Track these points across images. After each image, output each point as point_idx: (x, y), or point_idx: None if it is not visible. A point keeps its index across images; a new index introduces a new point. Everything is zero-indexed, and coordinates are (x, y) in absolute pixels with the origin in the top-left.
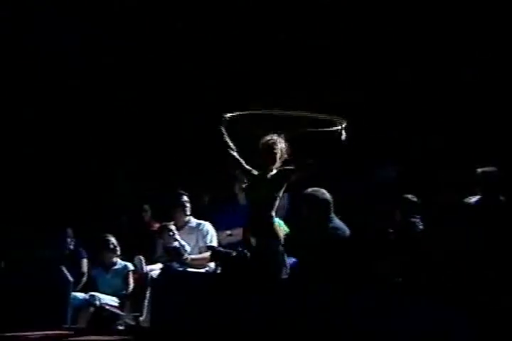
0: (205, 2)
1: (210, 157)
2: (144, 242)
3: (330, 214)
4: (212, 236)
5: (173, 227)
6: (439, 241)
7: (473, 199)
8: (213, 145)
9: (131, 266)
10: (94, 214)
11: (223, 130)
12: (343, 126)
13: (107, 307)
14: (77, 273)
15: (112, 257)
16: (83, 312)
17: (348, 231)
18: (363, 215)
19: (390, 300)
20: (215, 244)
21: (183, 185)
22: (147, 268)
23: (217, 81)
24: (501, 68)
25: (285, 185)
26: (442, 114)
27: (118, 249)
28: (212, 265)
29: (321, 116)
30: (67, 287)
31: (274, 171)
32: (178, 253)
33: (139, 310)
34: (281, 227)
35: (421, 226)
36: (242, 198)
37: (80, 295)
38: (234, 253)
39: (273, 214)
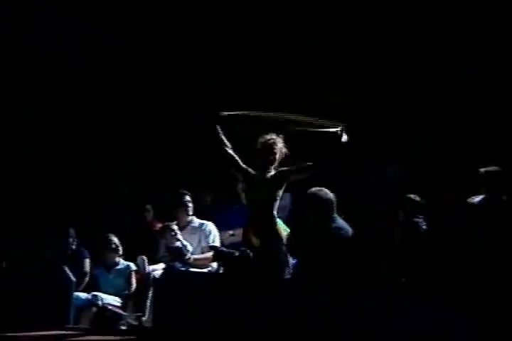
0: (205, 2)
1: (210, 157)
2: (147, 242)
3: (333, 214)
4: (214, 236)
5: (175, 227)
6: (441, 241)
7: (477, 198)
8: (213, 145)
9: (133, 266)
10: (94, 214)
11: (219, 128)
12: (343, 128)
13: (110, 307)
14: (80, 273)
15: (114, 257)
16: (85, 312)
17: (350, 231)
18: (363, 215)
19: (390, 300)
20: (217, 244)
21: (184, 185)
22: (149, 268)
23: (217, 81)
24: (501, 68)
25: (284, 185)
26: (442, 114)
27: (120, 248)
28: (214, 265)
29: (319, 122)
30: (69, 287)
31: (273, 171)
32: (180, 253)
33: (142, 310)
34: (281, 227)
35: (424, 226)
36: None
37: (83, 295)
38: (236, 253)
39: (275, 214)
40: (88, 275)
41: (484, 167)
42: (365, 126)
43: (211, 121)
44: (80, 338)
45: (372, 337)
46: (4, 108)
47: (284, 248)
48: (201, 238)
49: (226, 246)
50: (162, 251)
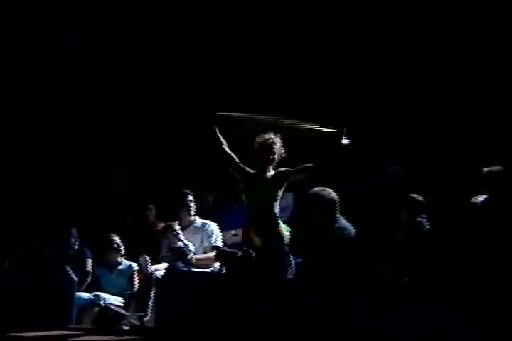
0: (205, 2)
1: (210, 157)
2: (149, 242)
3: (336, 214)
4: (217, 236)
5: (177, 227)
6: (442, 241)
7: (480, 198)
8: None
9: (135, 266)
10: (95, 214)
11: (216, 127)
12: (344, 131)
13: (112, 307)
14: (82, 273)
15: (116, 257)
16: (88, 312)
17: (353, 231)
18: (363, 215)
19: (390, 300)
20: (220, 243)
21: (184, 185)
22: (152, 268)
23: (217, 81)
24: (501, 68)
25: (284, 186)
26: (442, 114)
27: (122, 248)
28: (217, 265)
29: (313, 127)
30: (71, 287)
31: (272, 172)
32: (182, 253)
33: (144, 310)
34: (282, 228)
35: (427, 226)
36: None
37: (85, 295)
38: (239, 253)
39: (277, 214)
40: (90, 275)
41: (485, 167)
42: (365, 126)
43: (210, 121)
44: (82, 338)
45: (372, 337)
46: (4, 108)
47: (287, 248)
48: (203, 238)
49: (229, 246)
50: (164, 251)
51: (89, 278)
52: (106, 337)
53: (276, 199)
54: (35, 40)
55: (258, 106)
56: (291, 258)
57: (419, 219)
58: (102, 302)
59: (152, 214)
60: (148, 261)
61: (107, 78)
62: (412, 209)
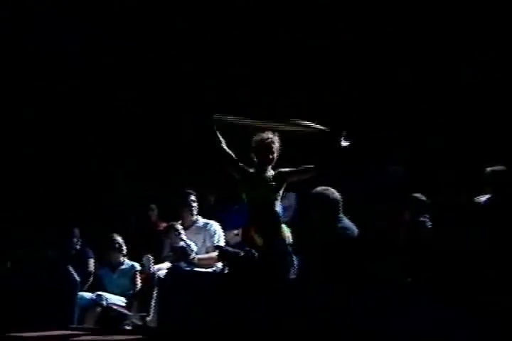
0: (205, 2)
1: (210, 157)
2: (151, 242)
3: (339, 213)
4: (219, 236)
5: (179, 227)
6: (445, 241)
7: (483, 198)
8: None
9: (138, 266)
10: (94, 214)
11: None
12: (344, 134)
13: (114, 307)
14: (84, 272)
15: (118, 257)
16: (90, 312)
17: (356, 231)
18: (363, 215)
19: (391, 300)
20: (222, 243)
21: (185, 185)
22: (155, 267)
23: (217, 81)
24: (501, 68)
25: (284, 186)
26: (442, 114)
27: (124, 248)
28: (219, 265)
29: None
30: (74, 287)
31: (272, 171)
32: (184, 253)
33: (146, 310)
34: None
35: (429, 226)
36: None
37: (87, 295)
38: (242, 253)
39: (279, 213)
40: (92, 275)
41: (485, 167)
42: (365, 126)
43: (208, 121)
44: (84, 338)
45: (372, 337)
46: (4, 108)
47: (289, 248)
48: (206, 238)
49: (231, 246)
50: (166, 251)
51: (91, 278)
52: (108, 337)
53: (276, 199)
54: (35, 40)
55: (258, 106)
56: (294, 258)
57: (422, 218)
58: (104, 302)
59: (154, 214)
60: (152, 260)
61: (107, 78)
62: (415, 209)
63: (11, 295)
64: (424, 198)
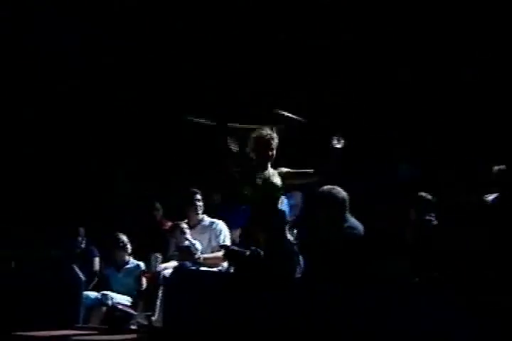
0: (205, 2)
1: (211, 157)
2: (156, 241)
3: (345, 213)
4: (225, 235)
5: (184, 226)
6: (450, 241)
7: (490, 197)
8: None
9: (143, 266)
10: (94, 214)
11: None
12: (340, 136)
13: (120, 306)
14: (89, 272)
15: (123, 256)
16: (95, 311)
17: (362, 231)
18: (363, 215)
19: (390, 300)
20: (228, 243)
21: (186, 184)
22: (161, 266)
23: (217, 81)
24: (501, 68)
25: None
26: (442, 114)
27: (129, 247)
28: (225, 264)
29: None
30: (79, 286)
31: (272, 169)
32: (189, 252)
33: (152, 309)
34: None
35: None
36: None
37: (92, 294)
38: (247, 253)
39: (284, 212)
40: (98, 274)
41: (484, 167)
42: (366, 126)
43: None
44: (90, 337)
45: (372, 336)
46: (4, 108)
47: (295, 247)
48: (211, 237)
49: (237, 245)
50: (172, 250)
51: (96, 277)
52: (114, 337)
53: (278, 197)
54: (35, 40)
55: (258, 106)
56: (300, 257)
57: (427, 217)
58: (109, 302)
59: (159, 213)
60: (160, 260)
61: (107, 78)
62: (421, 208)
63: (16, 295)
64: (429, 197)
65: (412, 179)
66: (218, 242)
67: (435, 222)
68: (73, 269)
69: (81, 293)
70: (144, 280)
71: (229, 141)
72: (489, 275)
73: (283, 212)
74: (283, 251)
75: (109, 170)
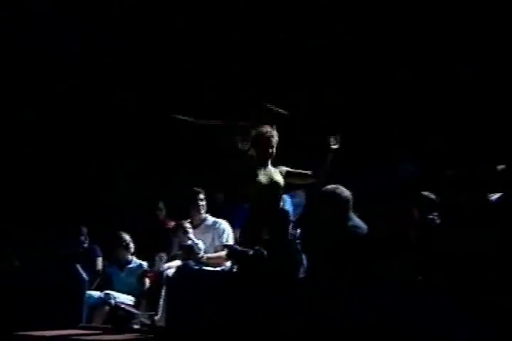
0: (205, 2)
1: (211, 157)
2: (159, 240)
3: (349, 212)
4: (228, 234)
5: (187, 225)
6: (452, 240)
7: (494, 196)
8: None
9: (146, 265)
10: (95, 214)
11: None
12: (335, 137)
13: (122, 306)
14: (92, 271)
15: (125, 255)
16: (98, 310)
17: (366, 230)
18: (362, 215)
19: (390, 300)
20: (231, 242)
21: (186, 184)
22: (165, 266)
23: (217, 81)
24: (501, 68)
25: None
26: (442, 114)
27: (132, 246)
28: (228, 264)
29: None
30: (82, 285)
31: (272, 167)
32: (192, 251)
33: (155, 308)
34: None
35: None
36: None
37: (95, 293)
38: (250, 252)
39: (287, 211)
40: (101, 273)
41: (484, 167)
42: (365, 126)
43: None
44: (93, 337)
45: (372, 336)
46: (4, 108)
47: (299, 246)
48: (215, 236)
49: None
50: (175, 249)
51: (99, 277)
52: (116, 336)
53: (280, 195)
54: (35, 40)
55: (258, 106)
56: (303, 256)
57: (430, 216)
58: (112, 301)
59: (162, 213)
60: (164, 259)
61: (107, 78)
62: (425, 207)
63: (19, 295)
64: (433, 196)
65: (412, 179)
66: (221, 242)
67: (438, 221)
68: (76, 269)
69: (84, 293)
70: (147, 280)
71: (237, 139)
72: (489, 275)
73: (287, 211)
74: (286, 250)
75: (109, 170)
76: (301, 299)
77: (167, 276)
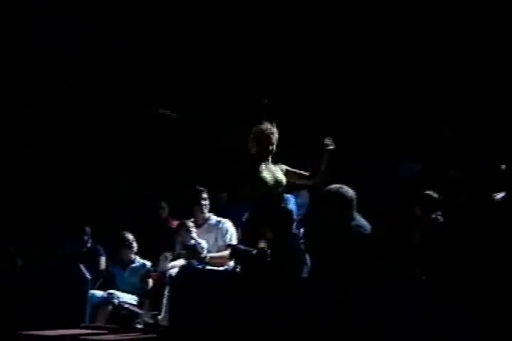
0: (205, 2)
1: (211, 157)
2: (162, 239)
3: (353, 211)
4: (231, 234)
5: (190, 224)
6: (455, 240)
7: (499, 195)
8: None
9: (149, 265)
10: (95, 214)
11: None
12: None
13: (126, 305)
14: (96, 271)
15: (128, 254)
16: (101, 310)
17: (369, 229)
18: (363, 215)
19: (390, 300)
20: (234, 242)
21: (188, 184)
22: (168, 265)
23: (217, 81)
24: (501, 68)
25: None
26: (442, 114)
27: (135, 245)
28: (231, 263)
29: None
30: (85, 285)
31: (272, 165)
32: (195, 250)
33: (158, 308)
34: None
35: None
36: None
37: (98, 293)
38: (254, 252)
39: (291, 210)
40: (104, 272)
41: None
42: (366, 126)
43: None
44: (96, 337)
45: (372, 336)
46: (4, 108)
47: (302, 246)
48: (218, 236)
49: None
50: (178, 248)
51: (102, 276)
52: (120, 336)
53: (282, 193)
54: (35, 40)
55: (258, 106)
56: (307, 256)
57: (434, 216)
58: (115, 301)
59: (165, 212)
60: (169, 258)
61: (107, 78)
62: (428, 206)
63: (22, 294)
64: (436, 195)
65: (412, 179)
66: (225, 241)
67: (441, 221)
68: (79, 268)
69: (87, 292)
70: (150, 280)
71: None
72: (489, 276)
73: (290, 211)
74: (290, 250)
75: (109, 170)
76: (305, 299)
77: (170, 276)
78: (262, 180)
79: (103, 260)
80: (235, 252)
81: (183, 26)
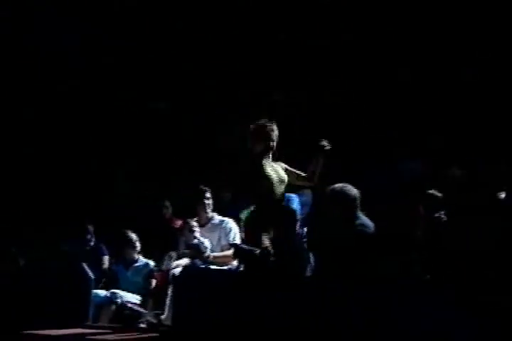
0: (205, 2)
1: (211, 156)
2: (166, 239)
3: (357, 210)
4: (235, 233)
5: (194, 224)
6: (458, 240)
7: (502, 195)
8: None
9: (152, 264)
10: (94, 214)
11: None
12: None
13: (129, 305)
14: (99, 270)
15: (131, 253)
16: (105, 309)
17: (373, 228)
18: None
19: (390, 300)
20: (238, 241)
21: (188, 184)
22: (172, 264)
23: (217, 81)
24: (501, 68)
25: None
26: (442, 114)
27: (138, 245)
28: (235, 263)
29: None
30: (88, 284)
31: (275, 164)
32: (198, 250)
33: (161, 307)
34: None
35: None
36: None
37: (102, 292)
38: (257, 251)
39: (294, 209)
40: (107, 272)
41: (484, 166)
42: (366, 126)
43: (212, 121)
44: (99, 336)
45: (372, 336)
46: (4, 108)
47: (305, 245)
48: (221, 235)
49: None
50: (182, 248)
51: (105, 276)
52: (123, 335)
53: (282, 192)
54: (35, 40)
55: (258, 106)
56: (310, 255)
57: (437, 215)
58: (118, 300)
59: (168, 211)
60: (173, 258)
61: (107, 78)
62: (431, 206)
63: (26, 294)
64: (439, 194)
65: (412, 178)
66: (228, 240)
67: (445, 220)
68: (82, 267)
69: (90, 291)
70: (154, 279)
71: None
72: (489, 275)
73: (294, 210)
74: (293, 249)
75: (109, 170)
76: (308, 298)
77: (173, 275)
78: (268, 178)
79: (106, 259)
80: (239, 251)
81: (183, 26)
